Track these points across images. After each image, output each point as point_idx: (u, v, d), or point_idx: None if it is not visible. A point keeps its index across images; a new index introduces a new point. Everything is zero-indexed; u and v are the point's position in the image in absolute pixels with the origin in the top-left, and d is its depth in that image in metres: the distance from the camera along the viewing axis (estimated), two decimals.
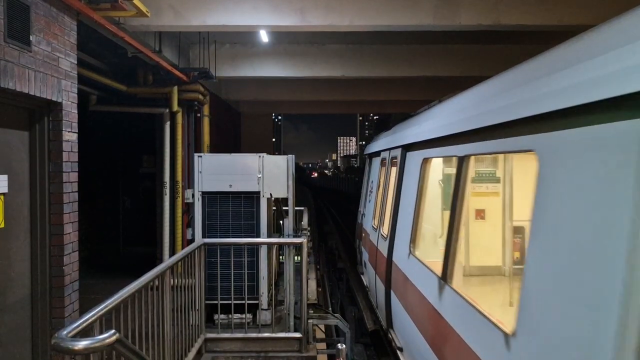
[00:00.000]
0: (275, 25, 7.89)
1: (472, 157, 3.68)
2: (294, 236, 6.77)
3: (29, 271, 5.00)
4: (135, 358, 2.85)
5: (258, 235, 6.17)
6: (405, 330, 5.09)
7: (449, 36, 11.24)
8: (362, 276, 9.15)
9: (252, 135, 21.83)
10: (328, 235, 26.79)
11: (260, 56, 12.22)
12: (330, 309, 11.12)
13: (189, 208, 10.27)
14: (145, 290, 3.70)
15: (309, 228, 8.70)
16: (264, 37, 10.41)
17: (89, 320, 2.65)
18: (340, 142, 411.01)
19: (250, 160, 6.20)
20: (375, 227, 7.77)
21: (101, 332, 2.63)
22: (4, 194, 4.57)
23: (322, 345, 7.04)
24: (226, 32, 9.43)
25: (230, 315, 5.69)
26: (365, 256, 8.65)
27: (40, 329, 5.04)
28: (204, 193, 6.18)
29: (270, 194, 6.24)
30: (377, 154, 8.81)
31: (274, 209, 7.12)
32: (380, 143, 8.61)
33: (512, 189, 5.36)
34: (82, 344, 2.33)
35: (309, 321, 5.66)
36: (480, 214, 5.59)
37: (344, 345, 5.13)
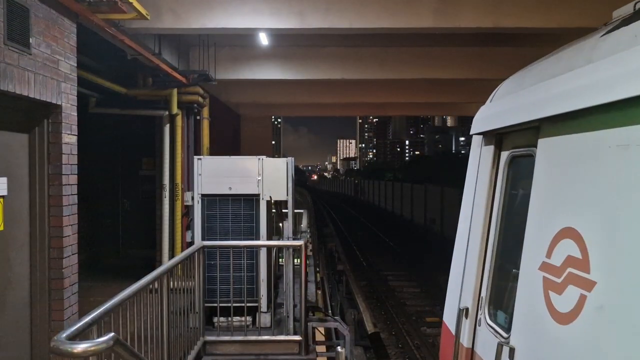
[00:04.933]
0: (275, 27, 7.90)
1: None
2: (294, 239, 6.77)
3: (28, 274, 4.99)
4: None
5: (257, 238, 6.17)
6: None
7: (449, 39, 11.25)
8: None
9: (252, 137, 21.85)
10: (327, 237, 26.84)
11: (259, 59, 12.23)
12: (329, 311, 11.11)
13: (188, 210, 10.27)
14: (145, 293, 3.69)
15: (308, 230, 8.70)
16: (263, 39, 10.41)
17: (88, 323, 2.64)
18: (340, 144, 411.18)
19: (249, 163, 6.20)
20: None
21: (100, 335, 2.62)
22: (3, 196, 4.56)
23: (322, 348, 7.03)
24: (226, 34, 9.43)
25: (229, 318, 5.68)
26: None
27: (39, 331, 5.02)
28: (203, 195, 6.17)
29: (270, 197, 6.23)
30: None
31: (273, 212, 7.12)
32: None
33: None
34: (81, 346, 2.33)
35: (308, 324, 5.65)
36: None
37: (344, 348, 5.12)
